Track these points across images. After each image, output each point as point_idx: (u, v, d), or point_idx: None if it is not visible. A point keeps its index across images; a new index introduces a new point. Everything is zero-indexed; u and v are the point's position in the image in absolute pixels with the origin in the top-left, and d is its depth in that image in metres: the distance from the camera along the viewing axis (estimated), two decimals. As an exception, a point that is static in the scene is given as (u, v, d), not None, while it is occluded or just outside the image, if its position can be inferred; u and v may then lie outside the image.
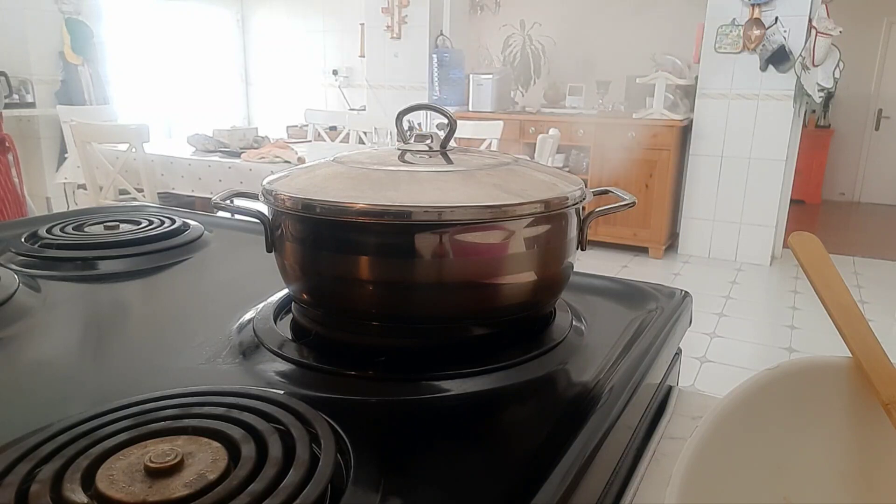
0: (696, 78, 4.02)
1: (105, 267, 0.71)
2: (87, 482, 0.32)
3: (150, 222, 0.84)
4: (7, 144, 1.38)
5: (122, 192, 3.15)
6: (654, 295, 0.63)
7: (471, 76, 4.65)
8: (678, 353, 0.61)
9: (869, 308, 3.30)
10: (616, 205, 0.55)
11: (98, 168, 3.05)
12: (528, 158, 0.65)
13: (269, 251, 0.52)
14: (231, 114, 6.24)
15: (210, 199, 0.58)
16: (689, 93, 4.16)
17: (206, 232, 0.84)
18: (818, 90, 3.73)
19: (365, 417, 0.41)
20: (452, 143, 0.54)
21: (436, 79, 4.72)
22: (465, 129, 3.55)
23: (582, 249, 0.53)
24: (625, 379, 0.45)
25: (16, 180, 1.40)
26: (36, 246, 0.75)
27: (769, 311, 3.41)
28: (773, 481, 0.34)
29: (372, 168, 0.50)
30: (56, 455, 0.33)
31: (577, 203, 0.50)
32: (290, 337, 0.52)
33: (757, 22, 3.74)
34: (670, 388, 0.58)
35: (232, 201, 0.56)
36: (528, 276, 0.49)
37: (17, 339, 0.53)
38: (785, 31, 3.67)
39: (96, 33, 4.79)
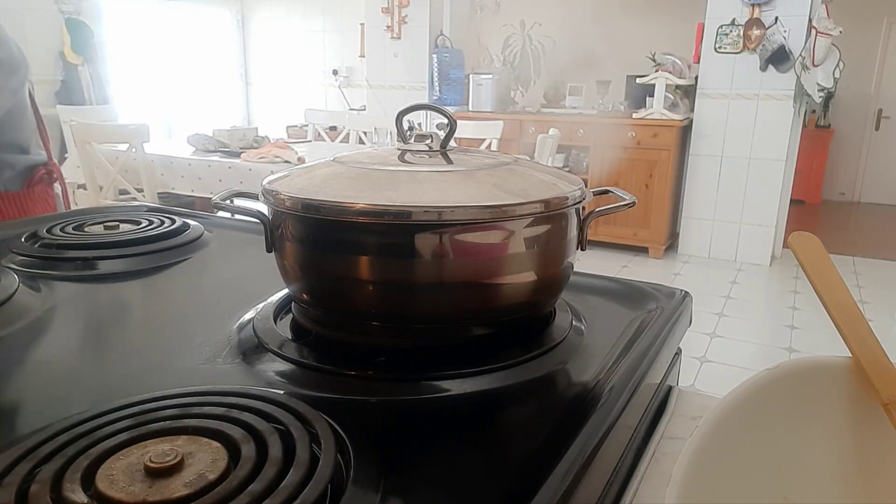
0: (696, 78, 4.02)
1: (105, 267, 0.71)
2: (87, 482, 0.32)
3: (150, 222, 0.84)
4: (55, 175, 1.32)
5: (122, 192, 3.15)
6: (654, 295, 0.63)
7: (471, 76, 4.65)
8: (678, 353, 0.61)
9: (869, 308, 3.30)
10: (616, 205, 0.55)
11: (98, 168, 3.06)
12: (528, 158, 0.65)
13: (269, 251, 0.52)
14: (231, 114, 6.24)
15: (210, 199, 0.58)
16: (689, 93, 4.16)
17: (206, 232, 0.84)
18: (818, 90, 3.72)
19: (365, 417, 0.41)
20: (452, 143, 0.54)
21: (436, 79, 4.72)
22: (465, 129, 3.55)
23: (582, 249, 0.53)
24: (625, 379, 0.45)
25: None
26: (36, 246, 0.75)
27: (769, 311, 3.41)
28: (773, 481, 0.34)
29: (372, 168, 0.50)
30: (56, 455, 0.33)
31: (577, 203, 0.50)
32: (290, 337, 0.52)
33: (757, 22, 3.74)
34: (670, 388, 0.58)
35: (232, 201, 0.55)
36: (528, 276, 0.49)
37: (17, 339, 0.53)
38: (785, 31, 3.67)
39: (96, 33, 4.79)
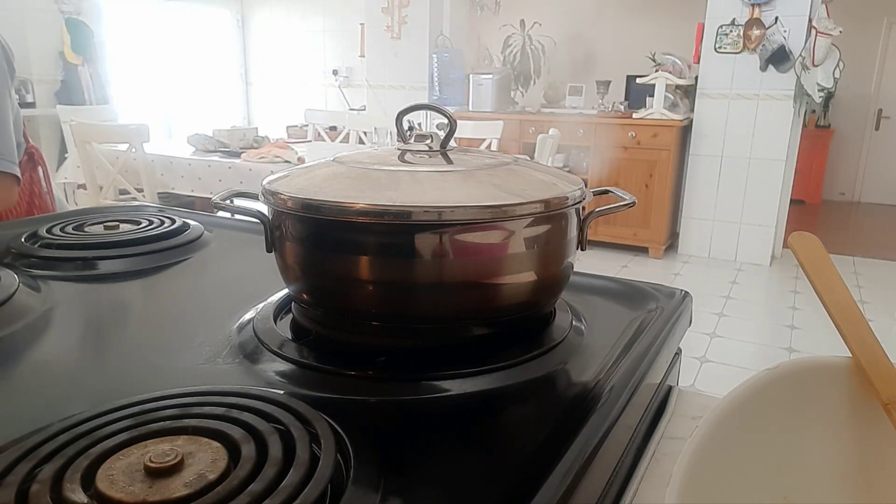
0: (696, 78, 4.02)
1: (105, 267, 0.71)
2: (87, 482, 0.32)
3: (150, 222, 0.84)
4: (36, 158, 1.30)
5: (122, 192, 3.15)
6: (654, 295, 0.63)
7: (471, 76, 4.65)
8: (678, 353, 0.61)
9: (869, 308, 3.30)
10: (616, 205, 0.55)
11: (98, 168, 3.06)
12: (528, 158, 0.65)
13: (269, 251, 0.52)
14: (231, 114, 6.24)
15: (210, 199, 0.58)
16: (689, 93, 4.16)
17: (206, 232, 0.84)
18: (818, 90, 3.72)
19: (365, 417, 0.41)
20: (452, 143, 0.54)
21: (436, 79, 4.71)
22: (465, 129, 3.55)
23: (582, 249, 0.53)
24: (625, 379, 0.45)
25: (47, 199, 1.33)
26: (36, 246, 0.75)
27: (769, 311, 3.41)
28: (773, 481, 0.34)
29: (372, 168, 0.50)
30: (56, 455, 0.33)
31: (577, 203, 0.50)
32: (290, 337, 0.52)
33: (757, 22, 3.74)
34: (670, 388, 0.58)
35: (232, 201, 0.56)
36: (527, 276, 0.49)
37: (17, 339, 0.53)
38: (785, 31, 3.67)
39: (96, 33, 4.80)
